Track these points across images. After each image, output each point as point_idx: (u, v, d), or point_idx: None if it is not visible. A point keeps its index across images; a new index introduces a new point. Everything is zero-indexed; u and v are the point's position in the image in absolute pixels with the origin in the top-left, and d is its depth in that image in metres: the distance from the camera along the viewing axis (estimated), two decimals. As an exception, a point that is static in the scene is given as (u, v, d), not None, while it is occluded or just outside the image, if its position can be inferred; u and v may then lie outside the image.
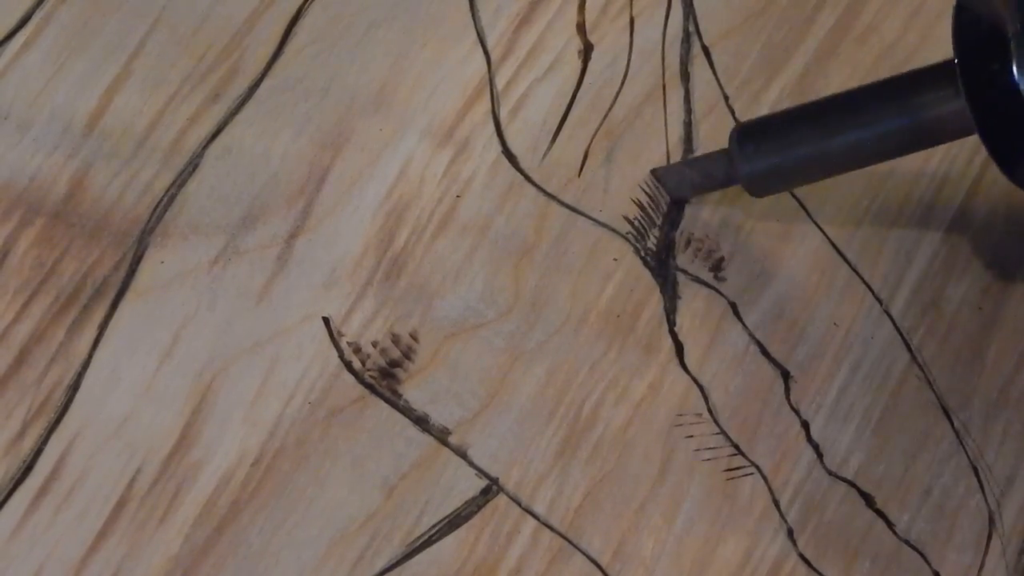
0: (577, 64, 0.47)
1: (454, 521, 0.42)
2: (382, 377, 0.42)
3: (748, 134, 0.44)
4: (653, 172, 0.47)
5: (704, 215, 0.47)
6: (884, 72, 0.45)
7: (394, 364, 0.42)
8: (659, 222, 0.47)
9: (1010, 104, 0.37)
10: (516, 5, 0.47)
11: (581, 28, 0.48)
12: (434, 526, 0.42)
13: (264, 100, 0.44)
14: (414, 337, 0.43)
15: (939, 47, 0.51)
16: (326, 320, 0.42)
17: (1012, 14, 0.37)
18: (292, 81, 0.44)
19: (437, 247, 0.44)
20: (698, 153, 0.48)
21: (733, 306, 0.47)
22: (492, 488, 0.42)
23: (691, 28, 0.49)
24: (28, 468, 0.38)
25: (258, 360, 0.41)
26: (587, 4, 0.48)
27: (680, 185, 0.47)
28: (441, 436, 0.42)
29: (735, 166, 0.44)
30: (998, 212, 0.51)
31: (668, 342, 0.46)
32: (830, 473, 0.46)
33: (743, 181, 0.44)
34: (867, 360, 0.48)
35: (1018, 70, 0.36)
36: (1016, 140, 0.38)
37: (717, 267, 0.47)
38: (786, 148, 0.43)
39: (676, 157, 0.48)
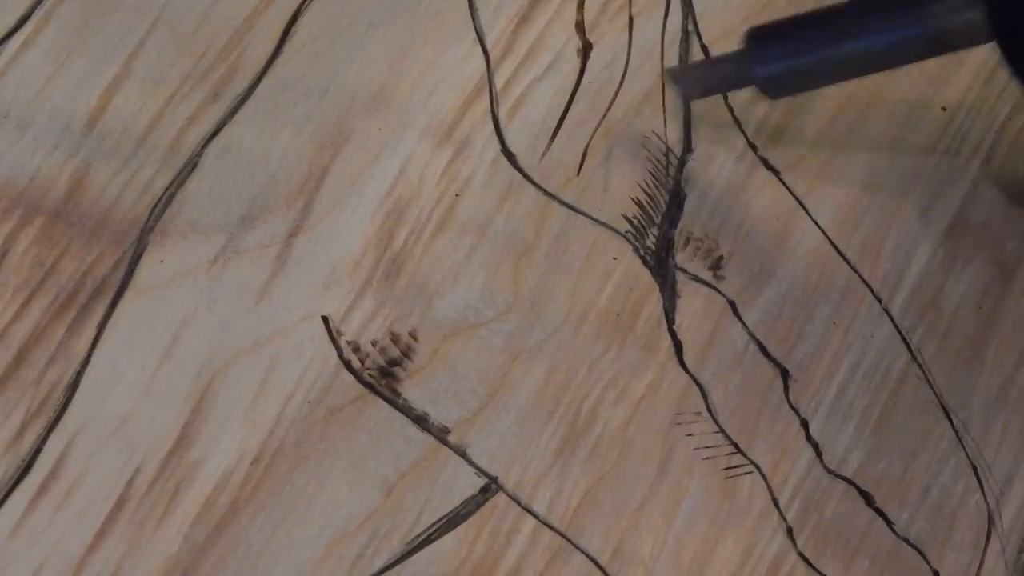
0: (576, 63, 0.47)
1: (453, 520, 0.42)
2: (381, 376, 0.42)
3: (763, 35, 0.43)
4: (668, 72, 0.47)
5: (704, 214, 0.47)
6: (884, 72, 0.45)
7: (393, 363, 0.42)
8: (658, 221, 0.47)
9: None
10: (515, 4, 0.47)
11: (580, 27, 0.48)
12: (433, 525, 0.42)
13: (263, 99, 0.44)
14: (413, 336, 0.43)
15: (938, 46, 0.51)
16: (325, 319, 0.42)
17: None
18: (291, 80, 0.44)
19: (436, 246, 0.44)
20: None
21: (732, 305, 0.47)
22: (491, 487, 0.42)
23: (690, 27, 0.49)
24: (27, 467, 0.38)
25: (257, 359, 0.41)
26: (586, 3, 0.48)
27: (694, 85, 0.47)
28: (440, 435, 0.42)
29: (749, 67, 0.44)
30: (998, 212, 0.51)
31: (667, 341, 0.46)
32: (829, 472, 0.46)
33: (757, 81, 0.44)
34: (866, 359, 0.48)
35: None
36: None
37: (716, 266, 0.47)
38: (800, 51, 0.43)
39: (676, 157, 0.47)
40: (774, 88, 0.44)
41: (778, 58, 0.43)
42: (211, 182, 0.42)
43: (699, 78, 0.47)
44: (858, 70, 0.44)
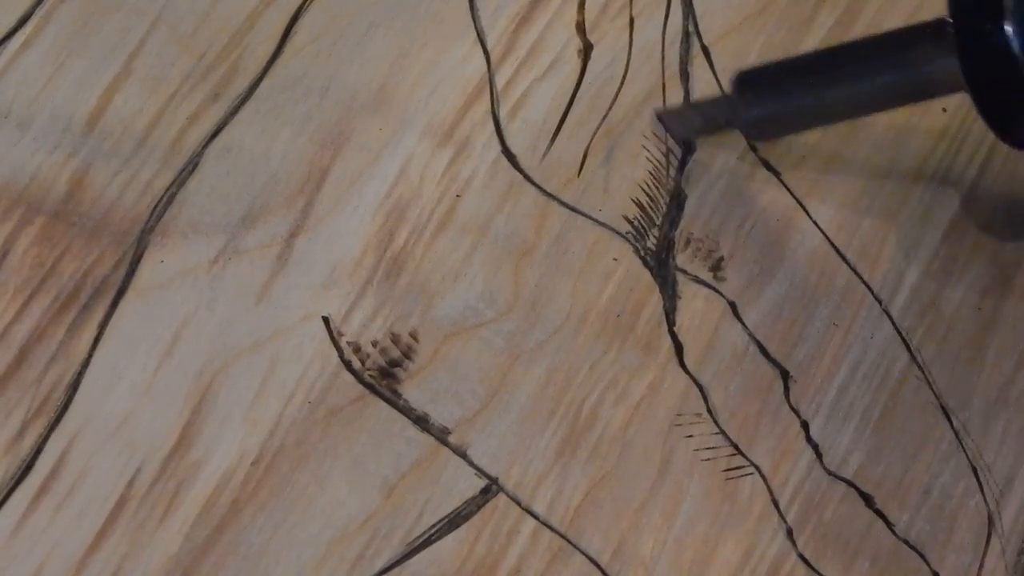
0: (577, 64, 0.47)
1: (454, 521, 0.42)
2: (382, 377, 0.42)
3: (748, 81, 0.45)
4: (657, 113, 0.48)
5: (704, 214, 0.47)
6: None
7: (394, 364, 0.42)
8: (659, 222, 0.47)
9: (1001, 63, 0.38)
10: (516, 4, 0.47)
11: (581, 27, 0.48)
12: (434, 526, 0.42)
13: (264, 99, 0.44)
14: (414, 337, 0.43)
15: (939, 47, 0.51)
16: (326, 319, 0.42)
17: None
18: (292, 80, 0.44)
19: (437, 247, 0.44)
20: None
21: (733, 306, 0.47)
22: (492, 488, 0.42)
23: (691, 28, 0.49)
24: (28, 467, 0.38)
25: (258, 360, 0.41)
26: (587, 4, 0.48)
27: (682, 127, 0.48)
28: (441, 436, 0.42)
29: (736, 111, 0.45)
30: (998, 212, 0.51)
31: (668, 342, 0.46)
32: (829, 473, 0.46)
33: (743, 126, 0.45)
34: (866, 360, 0.48)
35: (1010, 27, 0.37)
36: (1007, 99, 0.39)
37: (717, 267, 0.47)
38: (785, 96, 0.44)
39: (676, 158, 0.48)
40: (760, 132, 0.46)
41: (762, 104, 0.45)
42: (211, 182, 0.42)
43: (686, 120, 0.48)
44: (841, 116, 0.45)
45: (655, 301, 0.46)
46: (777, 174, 0.49)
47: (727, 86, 0.46)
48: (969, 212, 0.51)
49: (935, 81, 0.41)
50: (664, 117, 0.48)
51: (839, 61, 0.43)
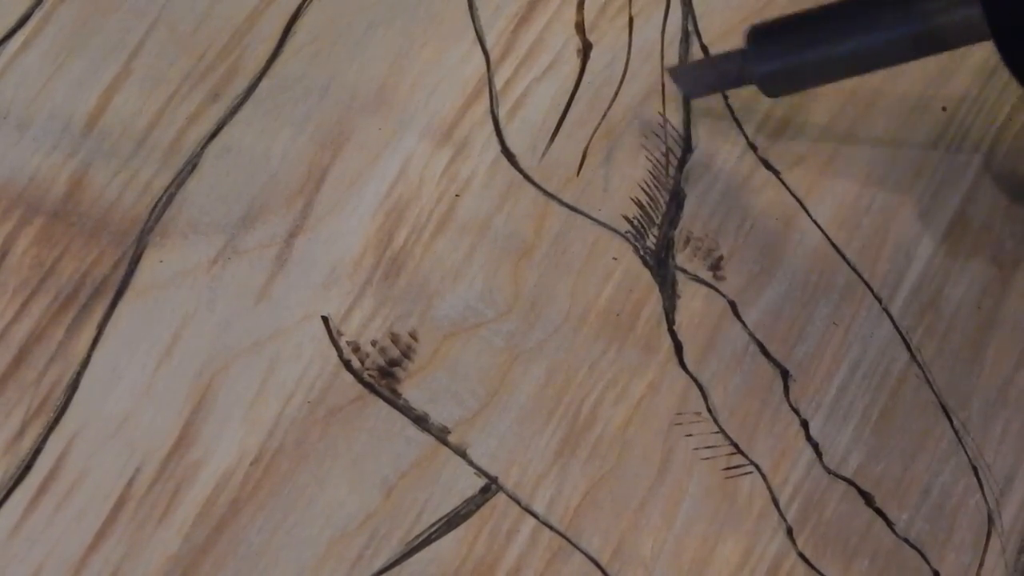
0: (576, 63, 0.47)
1: (453, 520, 0.42)
2: (381, 376, 0.42)
3: (762, 34, 0.44)
4: (669, 70, 0.47)
5: (704, 214, 0.47)
6: (884, 72, 0.45)
7: (393, 363, 0.42)
8: (658, 221, 0.47)
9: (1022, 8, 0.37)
10: (515, 4, 0.47)
11: (580, 27, 0.48)
12: (433, 525, 0.42)
13: (263, 99, 0.44)
14: (413, 336, 0.43)
15: (938, 46, 0.51)
16: (325, 319, 0.42)
17: None
18: (291, 80, 0.44)
19: (436, 246, 0.44)
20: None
21: (732, 305, 0.47)
22: (491, 487, 0.42)
23: (690, 28, 0.49)
24: (27, 467, 0.38)
25: (257, 359, 0.41)
26: (586, 3, 0.48)
27: (695, 83, 0.47)
28: (440, 435, 0.42)
29: (749, 66, 0.44)
30: (998, 212, 0.51)
31: (667, 341, 0.46)
32: (829, 472, 0.46)
33: (757, 80, 0.44)
34: (866, 359, 0.48)
35: None
36: None
37: (716, 266, 0.47)
38: (799, 49, 0.43)
39: (676, 157, 0.47)
40: (773, 86, 0.45)
41: (777, 57, 0.44)
42: (211, 182, 0.42)
43: (699, 76, 0.47)
44: (857, 69, 0.44)
45: (655, 300, 0.46)
46: (777, 174, 0.49)
47: (742, 40, 0.45)
48: (969, 212, 0.51)
49: (957, 30, 0.40)
50: (677, 73, 0.47)
51: (855, 12, 0.42)
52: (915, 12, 0.41)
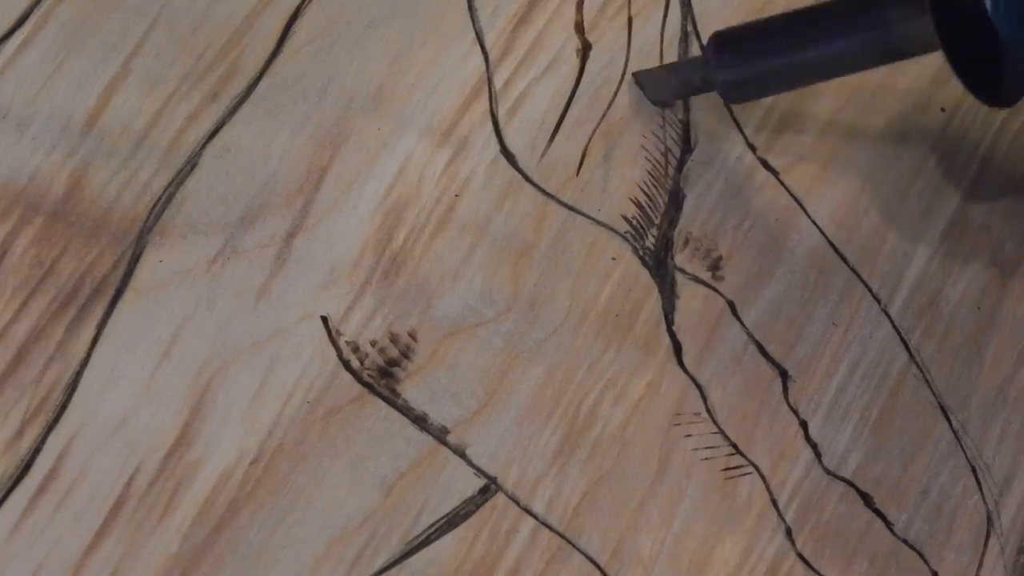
0: (575, 63, 0.47)
1: (452, 520, 0.42)
2: (380, 376, 0.42)
3: (723, 43, 0.45)
4: (634, 75, 0.48)
5: (703, 214, 0.47)
6: (883, 73, 0.45)
7: (392, 363, 0.42)
8: (657, 221, 0.47)
9: (974, 21, 0.38)
10: (514, 4, 0.47)
11: (579, 27, 0.48)
12: (432, 525, 0.42)
13: (262, 99, 0.44)
14: (412, 336, 0.43)
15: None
16: (325, 319, 0.42)
17: None
18: (291, 80, 0.44)
19: (436, 246, 0.44)
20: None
21: (731, 305, 0.47)
22: (490, 487, 0.42)
23: (689, 28, 0.49)
24: (27, 467, 0.38)
25: (257, 359, 0.41)
26: (585, 3, 0.48)
27: (659, 89, 0.48)
28: (439, 435, 0.42)
29: (711, 73, 0.45)
30: (997, 212, 0.51)
31: (666, 341, 0.46)
32: (828, 472, 0.46)
33: (718, 88, 0.45)
34: (865, 359, 0.48)
35: None
36: (980, 57, 0.39)
37: (715, 266, 0.47)
38: (759, 57, 0.44)
39: (675, 157, 0.47)
40: (734, 93, 0.46)
41: (738, 65, 0.44)
42: (210, 182, 0.42)
43: (663, 82, 0.48)
44: (817, 76, 0.45)
45: (654, 300, 0.46)
46: (776, 174, 0.49)
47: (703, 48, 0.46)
48: (968, 212, 0.51)
49: (910, 40, 0.41)
50: (642, 79, 0.48)
51: (814, 21, 0.43)
52: (873, 21, 0.42)
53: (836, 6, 0.43)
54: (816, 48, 0.43)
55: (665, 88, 0.48)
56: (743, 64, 0.44)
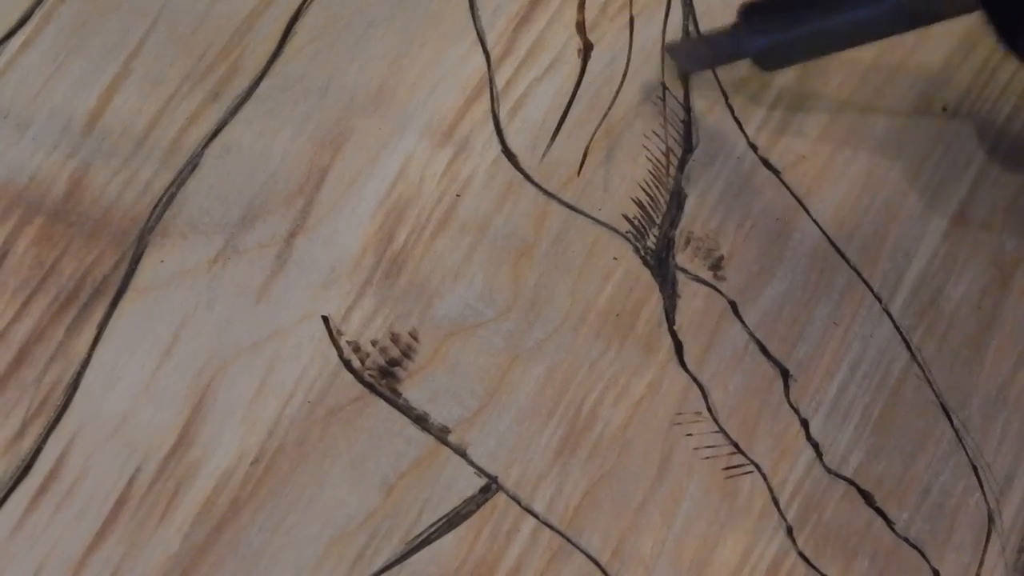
0: (577, 63, 0.47)
1: (453, 520, 0.42)
2: (381, 376, 0.42)
3: (755, 10, 0.45)
4: (667, 47, 0.48)
5: (704, 214, 0.47)
6: (883, 72, 0.45)
7: (393, 363, 0.42)
8: (659, 221, 0.47)
9: None
10: (515, 4, 0.47)
11: (581, 27, 0.48)
12: (433, 524, 0.42)
13: (263, 99, 0.44)
14: (413, 336, 0.43)
15: (939, 46, 0.51)
16: (325, 319, 0.42)
17: None
18: (291, 80, 0.44)
19: (436, 246, 0.44)
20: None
21: (733, 305, 0.47)
22: (491, 487, 0.42)
23: (691, 27, 0.49)
24: (27, 467, 0.39)
25: (257, 359, 0.41)
26: (586, 3, 0.48)
27: (691, 58, 0.48)
28: (440, 435, 0.42)
29: (743, 41, 0.45)
30: (998, 212, 0.51)
31: (667, 341, 0.46)
32: (829, 471, 0.46)
33: (751, 55, 0.45)
34: (866, 359, 0.48)
35: None
36: (1020, 13, 0.39)
37: (717, 266, 0.47)
38: (791, 23, 0.44)
39: (676, 157, 0.47)
40: (766, 61, 0.46)
41: (769, 32, 0.45)
42: (211, 182, 0.42)
43: (695, 52, 0.48)
44: (848, 42, 0.45)
45: (655, 300, 0.46)
46: (777, 173, 0.49)
47: (735, 16, 0.45)
48: (969, 211, 0.51)
49: (949, 1, 0.41)
50: (673, 50, 0.48)
51: None
52: None
53: None
54: (848, 13, 0.43)
55: (697, 57, 0.48)
56: (774, 31, 0.45)
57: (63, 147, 0.41)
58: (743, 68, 0.49)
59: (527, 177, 0.46)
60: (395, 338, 0.43)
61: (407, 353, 0.43)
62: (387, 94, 0.45)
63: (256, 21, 0.44)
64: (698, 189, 0.48)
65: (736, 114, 0.49)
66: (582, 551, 0.43)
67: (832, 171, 0.49)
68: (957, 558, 0.47)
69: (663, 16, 0.49)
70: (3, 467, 0.38)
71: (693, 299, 0.46)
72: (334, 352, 0.42)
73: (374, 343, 0.42)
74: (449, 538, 0.42)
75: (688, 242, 0.47)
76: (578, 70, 0.47)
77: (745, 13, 0.45)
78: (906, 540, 0.47)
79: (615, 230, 0.46)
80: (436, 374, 0.43)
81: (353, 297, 0.43)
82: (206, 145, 0.43)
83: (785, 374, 0.47)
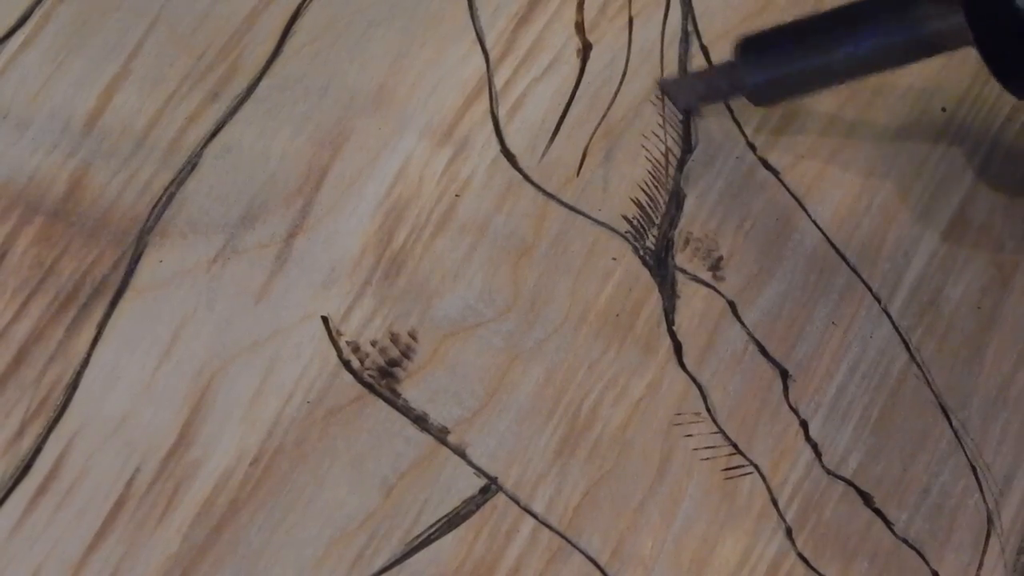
0: (576, 63, 0.47)
1: (453, 520, 0.42)
2: (381, 376, 0.42)
3: (752, 45, 0.45)
4: (661, 83, 0.48)
5: (703, 214, 0.47)
6: (883, 73, 0.45)
7: (393, 363, 0.42)
8: (658, 221, 0.47)
9: (1006, 16, 0.38)
10: (515, 4, 0.47)
11: (580, 27, 0.48)
12: (433, 525, 0.42)
13: (263, 99, 0.44)
14: (413, 336, 0.43)
15: (938, 46, 0.51)
16: (325, 319, 0.42)
17: None
18: (291, 80, 0.44)
19: (436, 246, 0.44)
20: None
21: (732, 305, 0.47)
22: (491, 487, 0.42)
23: (690, 27, 0.49)
24: (27, 467, 0.38)
25: (257, 359, 0.41)
26: (586, 3, 0.48)
27: (686, 95, 0.48)
28: (440, 435, 0.42)
29: (739, 77, 0.45)
30: (998, 212, 0.51)
31: (667, 341, 0.46)
32: (828, 472, 0.46)
33: (747, 91, 0.45)
34: (866, 359, 0.48)
35: None
36: (1012, 52, 0.40)
37: (716, 266, 0.47)
38: (789, 59, 0.44)
39: (675, 157, 0.48)
40: (763, 97, 0.46)
41: (766, 68, 0.45)
42: (211, 182, 0.42)
43: (690, 88, 0.48)
44: (845, 76, 0.45)
45: (654, 300, 0.46)
46: (776, 174, 0.49)
47: (730, 52, 0.46)
48: (969, 212, 0.51)
49: (941, 36, 0.41)
50: (667, 86, 0.48)
51: (842, 21, 0.43)
52: (903, 19, 0.42)
53: (864, 5, 0.43)
54: (845, 48, 0.43)
55: (692, 94, 0.48)
56: (771, 67, 0.44)
57: (63, 147, 0.41)
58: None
59: (526, 177, 0.46)
60: (395, 338, 0.43)
61: (406, 353, 0.43)
62: (387, 94, 0.45)
63: (256, 21, 0.44)
64: (697, 189, 0.48)
65: (735, 114, 0.49)
66: (581, 551, 0.43)
67: (832, 171, 0.49)
68: (956, 559, 0.47)
69: (662, 16, 0.49)
70: (3, 467, 0.38)
71: (692, 299, 0.46)
72: (334, 352, 0.42)
73: (374, 343, 0.42)
74: (449, 538, 0.42)
75: (687, 242, 0.47)
76: (577, 70, 0.47)
77: (742, 48, 0.45)
78: (905, 541, 0.47)
79: (614, 230, 0.46)
80: (436, 374, 0.43)
81: (353, 297, 0.43)
82: (205, 145, 0.43)
83: (784, 375, 0.47)
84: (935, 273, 0.50)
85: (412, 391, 0.42)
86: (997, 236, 0.51)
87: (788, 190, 0.49)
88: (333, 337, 0.42)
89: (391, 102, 0.45)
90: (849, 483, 0.47)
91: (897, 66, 0.44)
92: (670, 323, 0.46)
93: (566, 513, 0.43)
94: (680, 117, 0.48)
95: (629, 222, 0.46)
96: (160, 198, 0.42)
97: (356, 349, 0.42)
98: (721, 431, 0.45)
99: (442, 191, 0.45)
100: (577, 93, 0.47)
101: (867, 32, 0.42)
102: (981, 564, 0.48)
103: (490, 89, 0.46)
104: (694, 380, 0.46)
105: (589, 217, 0.46)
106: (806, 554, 0.45)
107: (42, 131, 0.41)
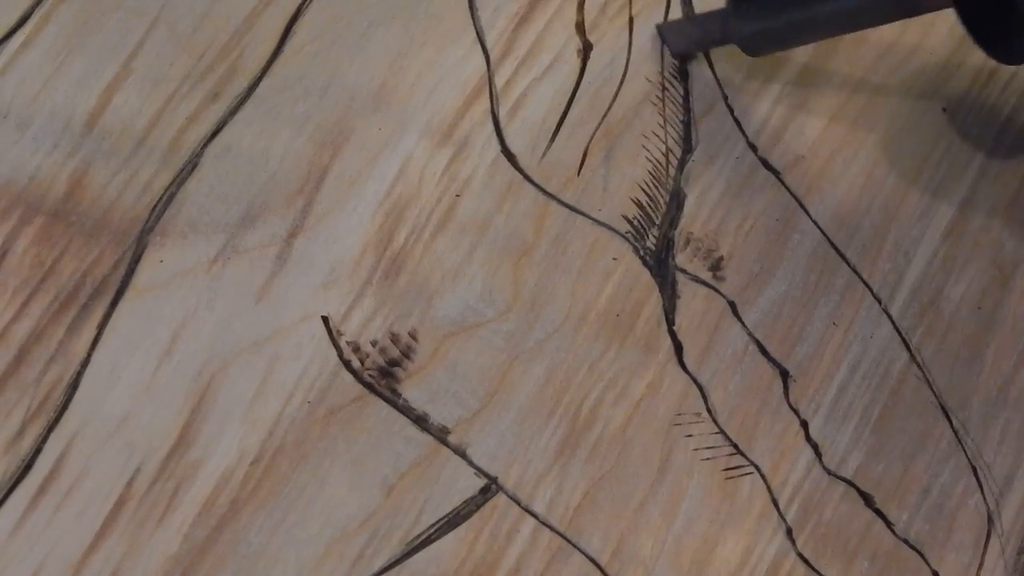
0: (576, 63, 0.47)
1: (453, 520, 0.42)
2: (381, 376, 0.42)
3: None
4: (658, 27, 0.49)
5: (704, 214, 0.47)
6: (883, 72, 0.45)
7: (393, 363, 0.42)
8: (658, 221, 0.47)
9: None
10: (515, 4, 0.47)
11: (580, 27, 0.48)
12: (433, 525, 0.42)
13: (263, 99, 0.44)
14: (413, 336, 0.43)
15: (938, 46, 0.51)
16: (325, 319, 0.42)
17: None
18: (291, 80, 0.44)
19: (436, 246, 0.44)
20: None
21: (732, 305, 0.47)
22: (491, 487, 0.42)
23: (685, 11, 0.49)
24: (27, 467, 0.38)
25: (257, 359, 0.41)
26: (586, 3, 0.48)
27: (680, 40, 0.48)
28: (440, 435, 0.42)
29: (732, 25, 0.46)
30: (998, 212, 0.51)
31: (667, 341, 0.46)
32: (829, 472, 0.46)
33: (738, 39, 0.46)
34: (866, 359, 0.48)
35: None
36: (993, 16, 0.41)
37: (716, 266, 0.47)
38: (780, 9, 0.45)
39: (676, 157, 0.48)
40: (754, 45, 0.47)
41: (759, 16, 0.45)
42: (211, 182, 0.42)
43: (683, 33, 0.49)
44: (836, 29, 0.46)
45: (655, 301, 0.46)
46: (777, 174, 0.49)
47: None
48: (969, 212, 0.51)
49: None
50: (664, 30, 0.49)
51: None
52: None
53: None
54: (832, 3, 0.44)
55: (685, 38, 0.48)
56: (763, 15, 0.45)
57: (63, 147, 0.41)
58: (743, 68, 0.49)
59: (527, 177, 0.46)
60: (395, 338, 0.43)
61: (407, 353, 0.43)
62: (387, 94, 0.45)
63: (256, 21, 0.44)
64: (698, 189, 0.48)
65: (736, 114, 0.49)
66: (582, 552, 0.43)
67: (832, 171, 0.49)
68: (957, 559, 0.47)
69: (663, 16, 0.49)
70: (3, 467, 0.38)
71: (693, 299, 0.46)
72: (334, 352, 0.42)
73: (374, 343, 0.42)
74: (449, 539, 0.42)
75: (688, 242, 0.47)
76: (578, 70, 0.47)
77: None
78: (905, 541, 0.47)
79: (615, 230, 0.46)
80: (436, 374, 0.43)
81: (353, 297, 0.43)
82: (206, 145, 0.43)
83: (785, 375, 0.47)
84: (935, 273, 0.50)
85: (412, 391, 0.42)
86: (997, 236, 0.51)
87: (788, 190, 0.49)
88: (333, 337, 0.42)
89: (391, 102, 0.45)
90: (849, 483, 0.47)
91: (884, 22, 0.45)
92: (670, 323, 0.46)
93: (566, 513, 0.43)
94: (681, 117, 0.48)
95: (629, 222, 0.46)
96: (160, 198, 0.42)
97: (356, 349, 0.42)
98: (721, 431, 0.45)
99: (442, 191, 0.45)
100: (577, 93, 0.47)
101: None
102: (981, 564, 0.48)
103: (490, 89, 0.46)
104: (694, 380, 0.46)
105: (589, 217, 0.46)
106: (806, 554, 0.45)
107: (42, 131, 0.41)
